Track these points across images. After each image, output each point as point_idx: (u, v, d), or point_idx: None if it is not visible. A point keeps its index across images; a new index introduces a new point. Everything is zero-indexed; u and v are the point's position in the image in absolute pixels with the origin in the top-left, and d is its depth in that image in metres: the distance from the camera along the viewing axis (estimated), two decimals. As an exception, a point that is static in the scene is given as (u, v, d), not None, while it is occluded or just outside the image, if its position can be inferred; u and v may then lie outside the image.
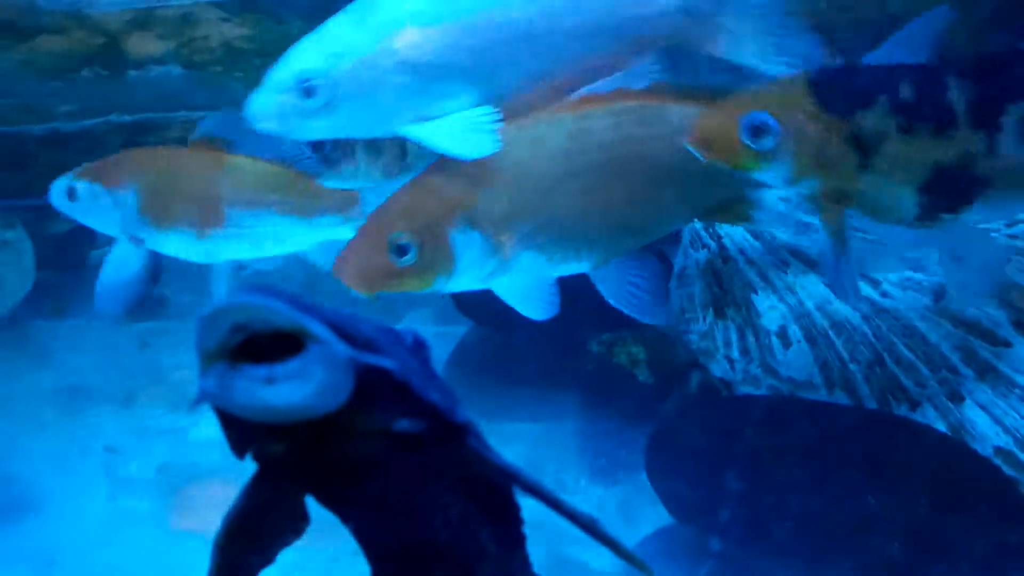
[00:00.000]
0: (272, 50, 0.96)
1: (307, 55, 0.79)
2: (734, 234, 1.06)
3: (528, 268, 0.82)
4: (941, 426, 0.89)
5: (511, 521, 0.46)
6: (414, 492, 0.42)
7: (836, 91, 0.76)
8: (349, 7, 0.82)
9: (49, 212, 1.22)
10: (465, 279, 0.82)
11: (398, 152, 1.04)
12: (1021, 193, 0.79)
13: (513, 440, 1.04)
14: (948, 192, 0.78)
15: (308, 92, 0.78)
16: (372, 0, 0.81)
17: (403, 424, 0.40)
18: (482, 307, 1.16)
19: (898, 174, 0.77)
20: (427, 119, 0.80)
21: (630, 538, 0.86)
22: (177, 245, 0.99)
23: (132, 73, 1.33)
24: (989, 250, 0.85)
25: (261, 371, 0.36)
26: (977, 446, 0.86)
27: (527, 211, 0.80)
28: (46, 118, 1.34)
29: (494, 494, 0.44)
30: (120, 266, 1.00)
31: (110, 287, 0.99)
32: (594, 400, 1.08)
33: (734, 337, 1.04)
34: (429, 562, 0.43)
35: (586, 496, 0.94)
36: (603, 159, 0.81)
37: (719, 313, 1.06)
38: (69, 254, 1.37)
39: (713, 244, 1.07)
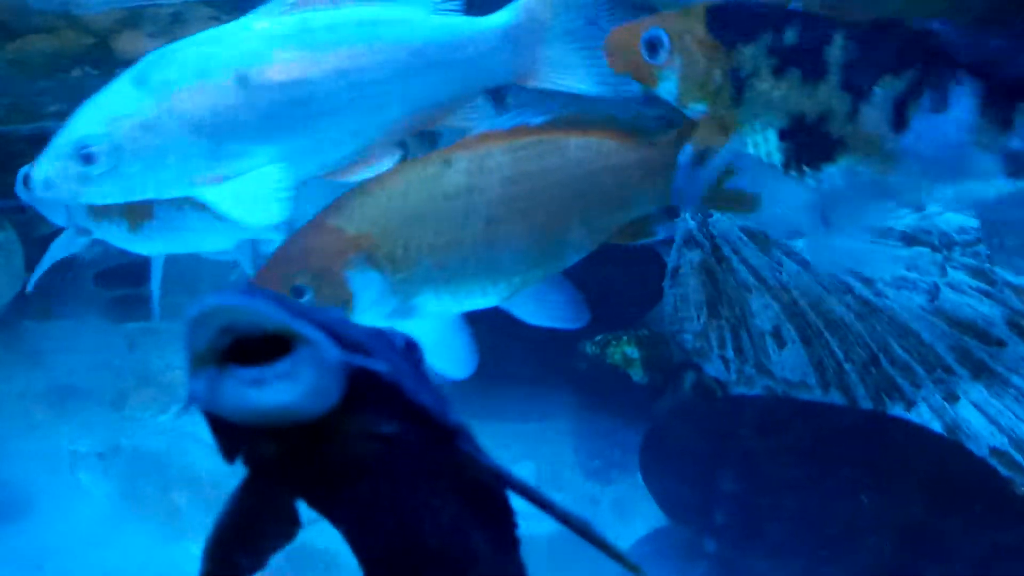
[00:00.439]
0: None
1: (86, 121, 0.79)
2: (728, 233, 1.06)
3: (432, 306, 0.83)
4: (936, 426, 0.90)
5: (504, 524, 0.45)
6: (405, 495, 0.42)
7: (728, 21, 0.77)
8: (131, 69, 0.81)
9: (38, 214, 1.22)
10: (366, 318, 0.83)
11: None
12: (873, 164, 0.78)
13: (506, 441, 1.04)
14: (807, 144, 0.78)
15: (88, 159, 0.78)
16: (154, 61, 0.81)
17: (393, 427, 0.40)
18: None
19: (764, 115, 0.77)
20: (222, 179, 0.81)
21: (625, 539, 0.87)
22: (115, 236, 1.01)
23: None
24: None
25: (250, 373, 0.36)
26: (972, 446, 0.87)
27: (426, 249, 0.82)
28: (35, 117, 1.34)
29: (487, 497, 0.44)
30: (58, 252, 1.04)
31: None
32: (588, 400, 1.08)
33: (728, 337, 1.04)
34: (421, 565, 0.43)
35: (580, 496, 0.94)
36: (503, 195, 0.83)
37: (713, 313, 1.06)
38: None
39: (707, 243, 1.07)
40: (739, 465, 0.83)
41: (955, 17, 1.00)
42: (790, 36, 0.76)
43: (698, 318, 1.07)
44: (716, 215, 1.08)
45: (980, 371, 0.93)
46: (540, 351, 1.04)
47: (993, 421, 0.89)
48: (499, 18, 0.86)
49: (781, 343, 1.01)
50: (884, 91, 0.75)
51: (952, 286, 0.96)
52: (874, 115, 0.75)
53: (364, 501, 0.41)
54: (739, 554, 0.82)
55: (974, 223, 0.99)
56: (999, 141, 0.74)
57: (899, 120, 0.75)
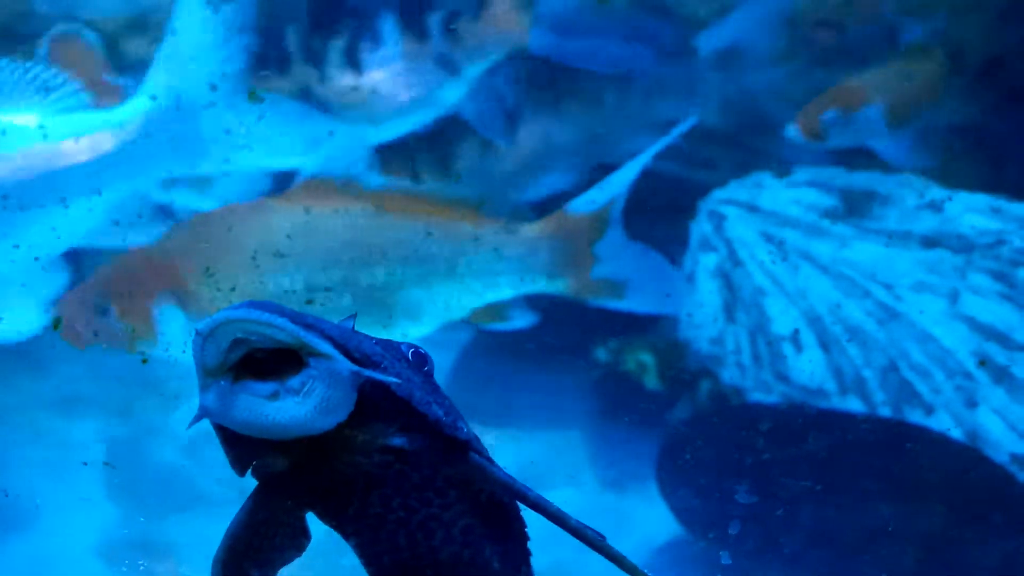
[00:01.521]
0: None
1: None
2: (745, 237, 1.08)
3: None
4: (956, 432, 0.91)
5: (516, 538, 0.46)
6: (416, 508, 0.42)
7: None
8: None
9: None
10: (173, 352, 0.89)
11: None
12: None
13: (519, 450, 1.05)
14: None
15: None
16: None
17: (404, 440, 0.40)
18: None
19: None
20: None
21: (641, 551, 0.88)
22: None
23: None
24: None
25: (263, 387, 0.37)
26: (992, 453, 0.88)
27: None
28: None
29: (499, 510, 0.45)
30: None
31: None
32: (602, 408, 1.09)
33: (745, 343, 1.06)
34: None
35: (595, 507, 0.96)
36: (358, 262, 0.88)
37: (729, 318, 1.08)
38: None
39: (723, 248, 1.09)
40: (756, 475, 0.85)
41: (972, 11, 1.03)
42: None
43: (714, 324, 1.08)
44: (732, 218, 1.09)
45: (1001, 376, 0.94)
46: (555, 358, 1.05)
47: (1013, 427, 0.90)
48: None
49: (799, 349, 1.02)
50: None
51: (973, 290, 0.97)
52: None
53: (374, 514, 0.42)
54: (757, 565, 0.83)
55: (995, 225, 1.00)
56: None
57: None
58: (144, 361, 0.90)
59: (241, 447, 0.40)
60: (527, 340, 1.06)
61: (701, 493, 0.87)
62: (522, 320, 0.97)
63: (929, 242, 1.02)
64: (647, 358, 1.09)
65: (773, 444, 0.87)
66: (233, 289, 0.88)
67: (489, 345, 1.24)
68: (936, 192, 1.07)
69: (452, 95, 1.06)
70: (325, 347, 0.37)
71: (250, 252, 0.87)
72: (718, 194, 1.12)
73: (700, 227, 1.11)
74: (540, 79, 1.13)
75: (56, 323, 0.89)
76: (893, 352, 0.97)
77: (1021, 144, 1.20)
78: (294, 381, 0.37)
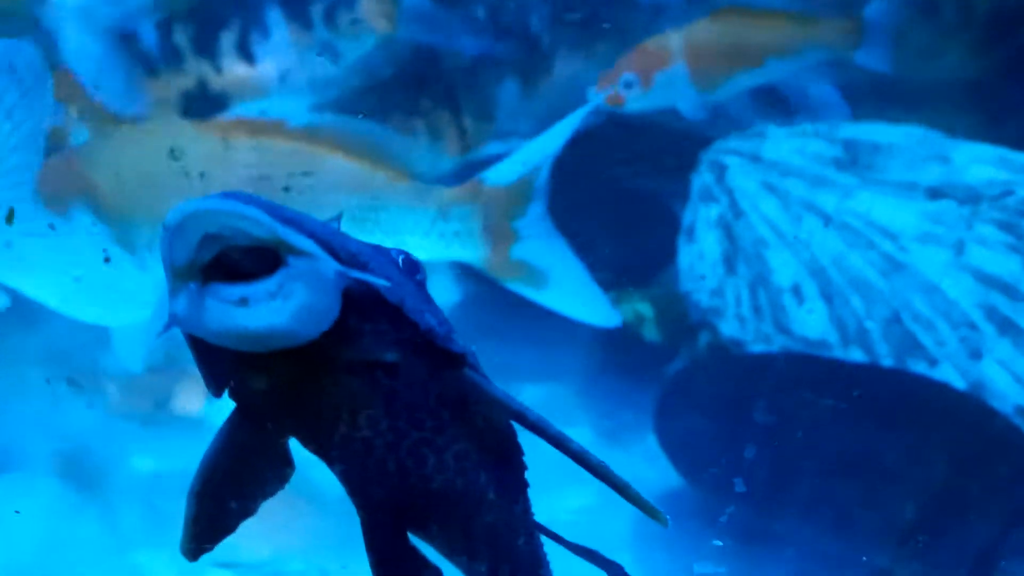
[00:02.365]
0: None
1: None
2: (746, 187, 1.06)
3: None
4: (960, 384, 0.90)
5: (513, 465, 0.43)
6: (407, 431, 0.39)
7: None
8: None
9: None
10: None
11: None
12: None
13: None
14: None
15: None
16: None
17: (395, 354, 0.36)
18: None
19: None
20: None
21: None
22: None
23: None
24: None
25: (236, 291, 0.32)
26: (997, 404, 0.87)
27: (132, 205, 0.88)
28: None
29: (495, 435, 0.41)
30: None
31: None
32: (599, 360, 1.08)
33: (745, 294, 1.04)
34: (423, 510, 0.41)
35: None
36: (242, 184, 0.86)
37: (730, 270, 1.06)
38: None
39: (724, 198, 1.07)
40: (755, 425, 0.84)
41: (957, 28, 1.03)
42: None
43: (714, 275, 1.06)
44: (733, 168, 1.07)
45: (1006, 328, 0.92)
46: (548, 312, 1.04)
47: (1019, 379, 0.89)
48: None
49: (800, 300, 1.00)
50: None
51: (978, 241, 0.96)
52: None
53: (362, 438, 0.39)
54: (756, 514, 0.82)
55: (1002, 175, 0.98)
56: None
57: None
58: (107, 260, 0.88)
59: (216, 362, 0.36)
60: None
61: (700, 443, 0.86)
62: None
63: (935, 193, 1.00)
64: (645, 309, 1.07)
65: (773, 393, 0.86)
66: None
67: (486, 297, 1.23)
68: (941, 143, 1.05)
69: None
70: (307, 244, 0.33)
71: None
72: (720, 144, 1.10)
73: (701, 178, 1.09)
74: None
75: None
76: (897, 303, 0.96)
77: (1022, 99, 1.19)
78: (270, 283, 0.33)
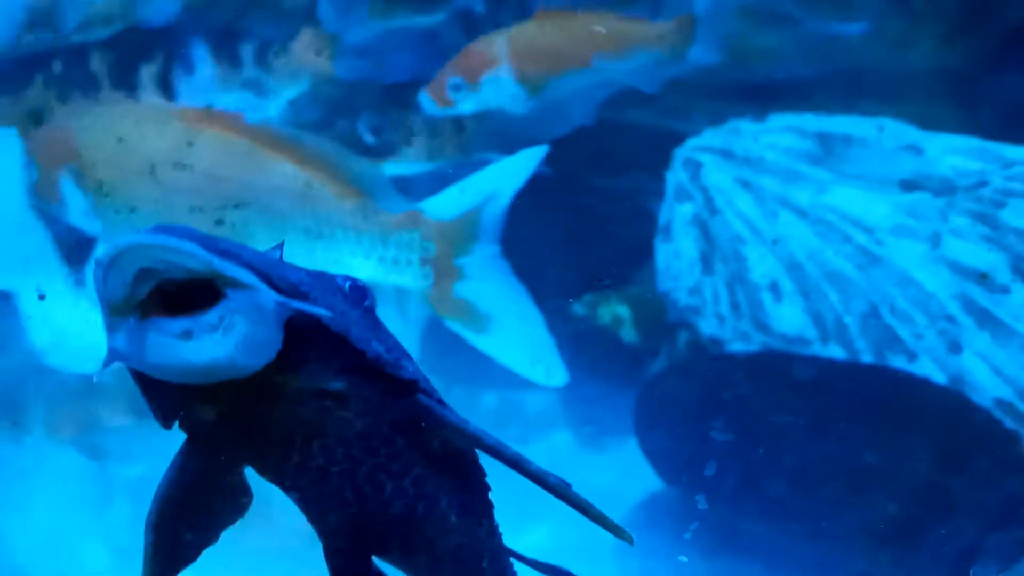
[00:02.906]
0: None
1: None
2: (721, 184, 1.05)
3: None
4: (940, 378, 0.89)
5: (475, 488, 0.42)
6: (362, 459, 0.38)
7: None
8: None
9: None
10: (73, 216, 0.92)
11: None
12: None
13: (494, 409, 1.03)
14: None
15: None
16: None
17: (342, 382, 0.36)
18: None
19: None
20: None
21: (621, 506, 0.86)
22: None
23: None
24: None
25: (176, 324, 0.32)
26: (976, 397, 0.86)
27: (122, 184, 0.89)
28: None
29: (454, 458, 0.41)
30: None
31: None
32: (579, 363, 1.07)
33: (723, 292, 1.03)
34: (384, 536, 0.40)
35: (575, 465, 0.93)
36: (202, 188, 0.87)
37: (707, 268, 1.05)
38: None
39: (699, 196, 1.06)
40: (736, 425, 0.83)
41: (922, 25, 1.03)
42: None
43: (691, 274, 1.05)
44: (707, 166, 1.06)
45: (984, 320, 0.92)
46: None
47: (998, 371, 0.88)
48: None
49: (778, 297, 0.99)
50: None
51: (954, 232, 0.95)
52: None
53: (316, 467, 0.38)
54: (738, 515, 0.81)
55: (976, 166, 0.98)
56: None
57: None
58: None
59: (162, 395, 0.35)
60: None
61: (680, 445, 0.85)
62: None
63: (909, 185, 0.99)
64: (623, 311, 1.06)
65: (753, 392, 0.85)
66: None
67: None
68: (915, 135, 1.04)
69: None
70: (244, 276, 0.33)
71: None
72: (693, 142, 1.09)
73: (676, 176, 1.08)
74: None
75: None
76: (874, 297, 0.95)
77: (997, 88, 1.18)
78: (211, 316, 0.32)
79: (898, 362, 0.91)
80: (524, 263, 1.13)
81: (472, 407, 1.02)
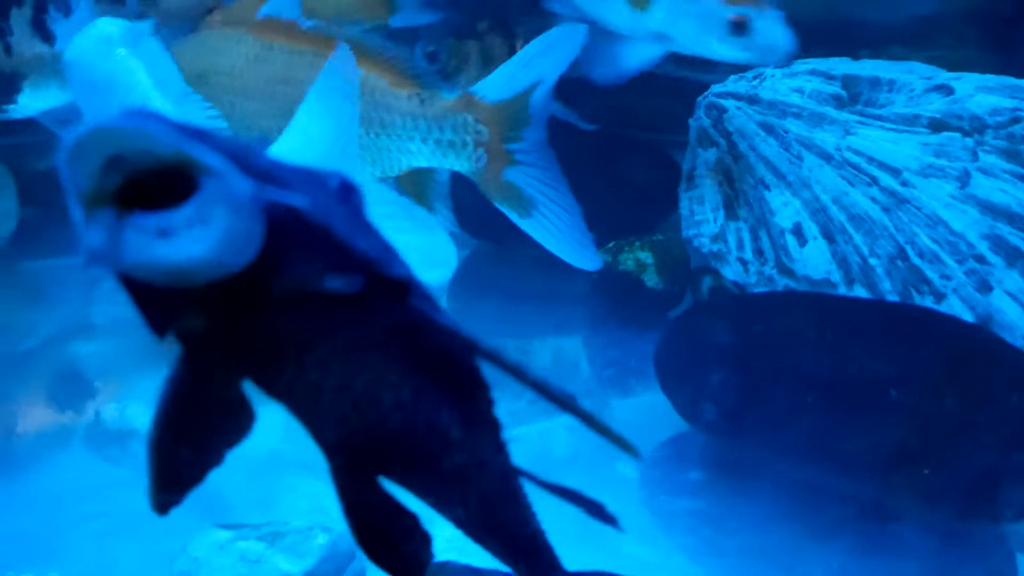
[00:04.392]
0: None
1: None
2: (745, 129, 1.02)
3: None
4: (968, 318, 0.86)
5: (478, 399, 0.40)
6: (357, 370, 0.36)
7: None
8: None
9: (31, 150, 1.19)
10: None
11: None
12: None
13: (520, 356, 1.01)
14: None
15: None
16: None
17: (331, 284, 0.33)
18: (482, 222, 1.13)
19: None
20: None
21: (645, 446, 0.85)
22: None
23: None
24: None
25: (149, 220, 0.30)
26: (1007, 336, 0.83)
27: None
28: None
29: (453, 369, 0.39)
30: None
31: None
32: (601, 310, 1.05)
33: (747, 238, 1.01)
34: (385, 452, 0.38)
35: (598, 408, 0.92)
36: (275, 88, 0.91)
37: (730, 214, 1.02)
38: (55, 190, 1.35)
39: (723, 141, 1.03)
40: (760, 364, 0.80)
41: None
42: None
43: (715, 220, 1.03)
44: (731, 111, 1.03)
45: (1015, 258, 0.88)
46: (551, 263, 1.01)
47: (1029, 309, 0.85)
48: None
49: (802, 241, 0.97)
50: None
51: (984, 171, 0.92)
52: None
53: (311, 382, 0.36)
54: (762, 453, 0.79)
55: (1009, 103, 0.94)
56: None
57: None
58: None
59: (150, 300, 0.33)
60: (525, 249, 1.02)
61: (703, 386, 0.83)
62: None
63: (938, 125, 0.95)
64: (646, 256, 1.04)
65: (776, 332, 0.82)
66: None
67: (487, 254, 1.20)
68: (944, 76, 1.01)
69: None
70: (214, 161, 0.30)
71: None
72: (716, 88, 1.06)
73: (699, 122, 1.05)
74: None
75: None
76: (901, 239, 0.92)
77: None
78: (187, 209, 0.30)
79: (926, 303, 0.89)
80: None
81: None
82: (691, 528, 0.74)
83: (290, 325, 0.34)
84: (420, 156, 0.94)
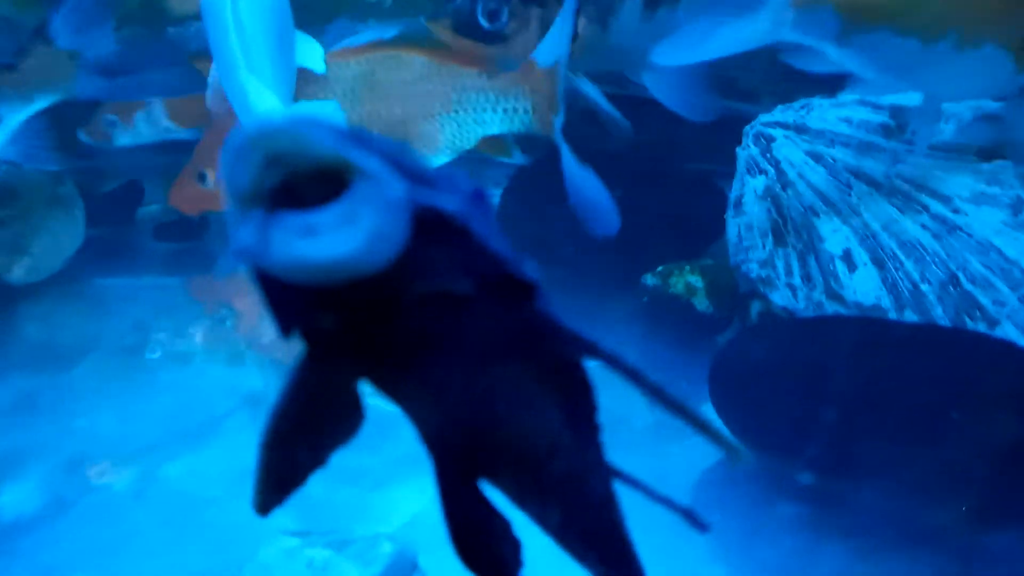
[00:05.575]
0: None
1: None
2: (793, 158, 1.01)
3: None
4: (1023, 343, 0.84)
5: (585, 407, 0.39)
6: (480, 369, 0.35)
7: None
8: None
9: (100, 173, 1.21)
10: None
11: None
12: None
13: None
14: None
15: None
16: None
17: (465, 285, 0.33)
18: (527, 247, 1.12)
19: None
20: None
21: (695, 468, 0.83)
22: None
23: (171, 30, 1.32)
24: None
25: (302, 219, 0.29)
26: (1063, 363, 0.81)
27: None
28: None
29: (568, 374, 0.38)
30: None
31: None
32: (652, 332, 1.04)
33: (795, 264, 0.99)
34: (495, 455, 0.37)
35: (647, 428, 0.91)
36: (379, 99, 1.04)
37: (779, 240, 1.01)
38: (119, 211, 1.37)
39: (771, 169, 1.02)
40: (812, 387, 0.79)
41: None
42: None
43: (763, 246, 1.02)
44: (779, 140, 1.03)
45: (1069, 286, 0.86)
46: (601, 287, 1.00)
47: (1085, 336, 0.83)
48: None
49: (852, 267, 0.95)
50: None
51: (1037, 198, 0.90)
52: None
53: (433, 378, 0.35)
54: (820, 478, 0.78)
55: (1060, 132, 0.92)
56: None
57: None
58: None
59: (283, 300, 0.33)
60: (573, 273, 1.01)
61: (757, 408, 0.81)
62: (519, 156, 1.16)
63: (988, 154, 0.94)
64: (696, 280, 1.03)
65: (827, 355, 0.81)
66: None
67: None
68: (991, 106, 0.99)
69: None
70: (374, 164, 0.30)
71: None
72: (764, 117, 1.05)
73: (747, 151, 1.05)
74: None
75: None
76: (952, 265, 0.90)
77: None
78: (337, 209, 0.29)
79: (979, 328, 0.87)
80: (595, 241, 1.10)
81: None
82: (743, 547, 0.72)
83: (421, 325, 0.34)
84: (493, 123, 1.08)
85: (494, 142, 1.09)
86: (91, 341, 1.16)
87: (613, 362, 0.37)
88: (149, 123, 1.23)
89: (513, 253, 0.35)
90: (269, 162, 0.30)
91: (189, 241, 1.34)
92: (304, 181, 0.30)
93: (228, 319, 1.21)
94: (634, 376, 0.37)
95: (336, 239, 0.30)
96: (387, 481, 0.79)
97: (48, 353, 1.11)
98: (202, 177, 1.12)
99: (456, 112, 1.06)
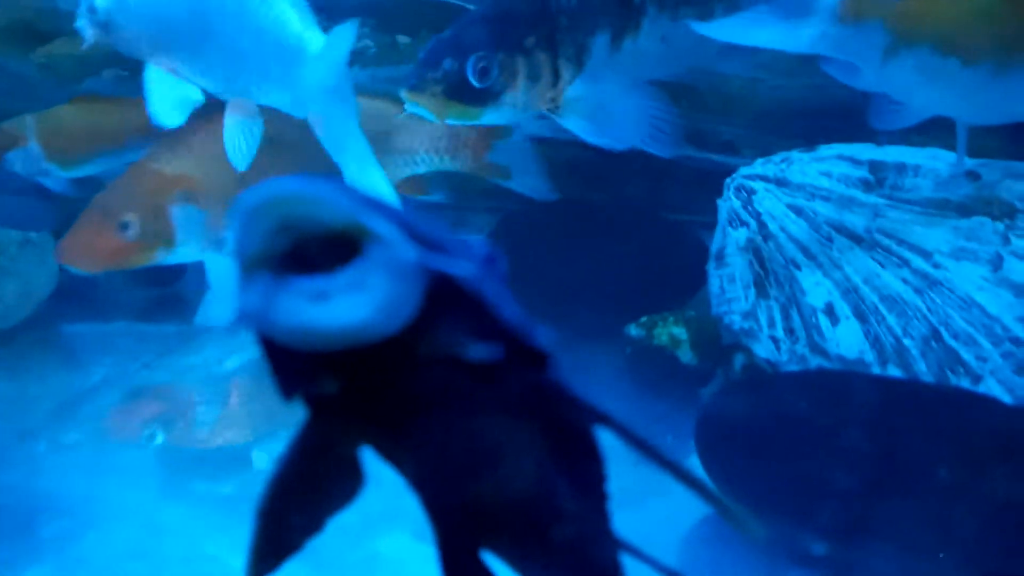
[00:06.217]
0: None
1: None
2: (774, 211, 1.01)
3: None
4: (1007, 399, 0.83)
5: (594, 472, 0.38)
6: (484, 435, 0.34)
7: None
8: None
9: (72, 215, 1.18)
10: (184, 252, 1.02)
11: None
12: None
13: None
14: None
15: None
16: None
17: (475, 350, 0.32)
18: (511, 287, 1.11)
19: None
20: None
21: (683, 523, 0.81)
22: None
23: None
24: None
25: (310, 284, 0.28)
26: (1048, 419, 0.80)
27: (232, 187, 0.97)
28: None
29: (576, 440, 0.37)
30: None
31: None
32: (636, 385, 1.02)
33: (778, 316, 0.99)
34: (498, 521, 0.36)
35: (636, 483, 0.89)
36: (301, 141, 0.97)
37: (761, 292, 1.01)
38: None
39: (753, 222, 1.02)
40: (799, 443, 0.78)
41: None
42: None
43: (746, 298, 1.01)
44: (760, 192, 1.03)
45: (1051, 341, 0.86)
46: (584, 337, 0.99)
47: (1069, 393, 0.83)
48: None
49: (835, 320, 0.95)
50: None
51: (1017, 255, 0.90)
52: None
53: (437, 443, 0.34)
54: (805, 535, 0.76)
55: (1037, 190, 0.93)
56: None
57: None
58: None
59: (288, 363, 0.32)
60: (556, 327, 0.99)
61: (744, 464, 0.80)
62: (438, 195, 1.16)
63: (967, 209, 0.94)
64: (680, 332, 1.02)
65: (815, 410, 0.80)
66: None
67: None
68: (969, 162, 1.00)
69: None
70: (386, 229, 0.29)
71: None
72: (745, 170, 1.05)
73: (728, 203, 1.04)
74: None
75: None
76: (934, 320, 0.90)
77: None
78: (348, 274, 0.28)
79: (962, 384, 0.86)
80: (578, 291, 1.09)
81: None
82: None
83: (429, 392, 0.33)
84: (426, 164, 1.10)
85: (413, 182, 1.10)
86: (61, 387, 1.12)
87: (624, 433, 0.35)
88: (24, 162, 1.15)
89: (527, 320, 0.34)
90: (281, 226, 0.29)
91: (162, 287, 1.31)
92: (315, 245, 0.29)
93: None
94: (646, 449, 0.35)
95: (347, 305, 0.28)
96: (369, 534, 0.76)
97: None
98: (125, 226, 1.01)
99: (389, 153, 1.06)
